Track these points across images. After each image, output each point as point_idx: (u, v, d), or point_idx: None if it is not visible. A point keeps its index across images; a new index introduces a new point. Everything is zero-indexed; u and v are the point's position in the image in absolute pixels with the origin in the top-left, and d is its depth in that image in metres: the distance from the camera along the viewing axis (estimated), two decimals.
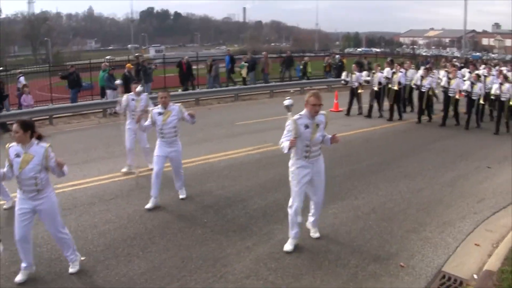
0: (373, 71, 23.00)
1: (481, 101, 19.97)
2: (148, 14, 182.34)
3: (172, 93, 26.62)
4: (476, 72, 22.46)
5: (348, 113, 22.67)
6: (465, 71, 25.47)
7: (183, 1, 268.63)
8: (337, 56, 41.73)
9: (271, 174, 12.78)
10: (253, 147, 15.80)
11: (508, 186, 12.13)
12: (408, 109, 23.65)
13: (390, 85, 21.68)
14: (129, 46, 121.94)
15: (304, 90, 29.05)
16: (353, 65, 24.73)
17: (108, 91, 24.79)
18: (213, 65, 31.31)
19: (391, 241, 8.70)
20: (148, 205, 10.34)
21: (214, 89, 30.17)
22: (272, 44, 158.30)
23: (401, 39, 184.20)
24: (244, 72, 32.95)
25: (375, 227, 9.35)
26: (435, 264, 7.88)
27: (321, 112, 8.01)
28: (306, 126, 7.92)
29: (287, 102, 7.79)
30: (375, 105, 22.22)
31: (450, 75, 20.87)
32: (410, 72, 23.50)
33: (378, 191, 11.56)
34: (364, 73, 23.30)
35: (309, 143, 7.99)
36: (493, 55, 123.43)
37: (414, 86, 21.98)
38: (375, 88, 22.11)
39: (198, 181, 12.20)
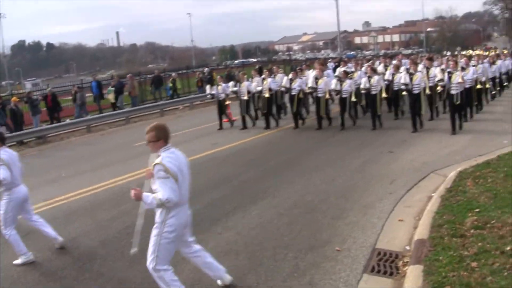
0: (239, 81, 22.55)
1: (353, 98, 19.53)
2: (19, 47, 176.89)
3: (62, 123, 26.45)
4: (343, 68, 22.79)
5: (220, 127, 22.20)
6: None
7: (55, 30, 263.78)
8: (206, 69, 42.27)
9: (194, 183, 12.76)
10: None
11: (412, 165, 13.07)
12: (282, 114, 23.35)
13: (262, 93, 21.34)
14: (4, 82, 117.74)
15: (193, 105, 30.11)
16: (218, 77, 24.92)
17: None
18: (77, 93, 30.03)
19: (320, 230, 8.96)
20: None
21: (103, 114, 29.74)
22: (150, 65, 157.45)
23: (276, 47, 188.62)
24: (111, 97, 32.01)
25: (301, 220, 9.60)
26: (368, 244, 8.20)
27: (157, 161, 6.55)
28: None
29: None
30: (253, 113, 22.19)
31: (317, 75, 20.47)
32: (279, 76, 23.32)
33: (293, 186, 11.88)
34: (231, 83, 22.92)
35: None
36: (367, 52, 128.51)
37: (283, 90, 21.63)
38: (245, 98, 21.65)
39: (112, 205, 12.03)
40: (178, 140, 16.92)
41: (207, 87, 23.99)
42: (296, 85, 20.44)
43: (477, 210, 8.70)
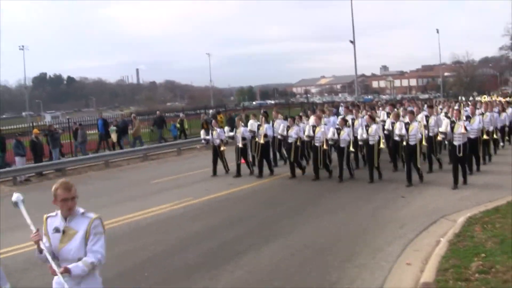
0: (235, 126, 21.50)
1: (351, 149, 18.33)
2: (41, 80, 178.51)
3: (80, 158, 26.84)
4: (342, 116, 21.42)
5: (214, 173, 21.04)
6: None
7: (76, 65, 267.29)
8: (210, 111, 41.51)
9: (199, 225, 13.22)
10: (174, 202, 16.07)
11: (423, 211, 13.34)
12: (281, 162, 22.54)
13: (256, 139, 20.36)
14: (24, 113, 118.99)
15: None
16: (213, 121, 23.63)
17: (17, 158, 24.31)
18: (78, 130, 29.57)
19: (330, 271, 9.23)
20: None
21: (121, 150, 30.07)
22: (168, 103, 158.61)
23: (294, 89, 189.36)
24: (114, 136, 31.48)
25: (311, 261, 9.88)
26: (375, 285, 8.49)
27: (88, 213, 5.64)
28: (57, 230, 5.53)
29: (15, 197, 5.72)
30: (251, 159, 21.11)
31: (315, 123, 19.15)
32: (277, 122, 21.71)
33: (306, 229, 12.17)
34: (226, 128, 22.11)
35: (57, 255, 5.45)
36: (383, 97, 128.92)
37: (280, 137, 20.78)
38: (239, 145, 20.61)
39: (129, 238, 12.36)
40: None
41: (202, 132, 23.06)
42: (292, 132, 19.59)
43: (483, 255, 8.98)
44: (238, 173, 20.51)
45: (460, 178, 16.20)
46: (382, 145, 18.11)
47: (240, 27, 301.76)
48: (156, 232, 12.84)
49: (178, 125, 35.99)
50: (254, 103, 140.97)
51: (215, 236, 12.02)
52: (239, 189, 17.81)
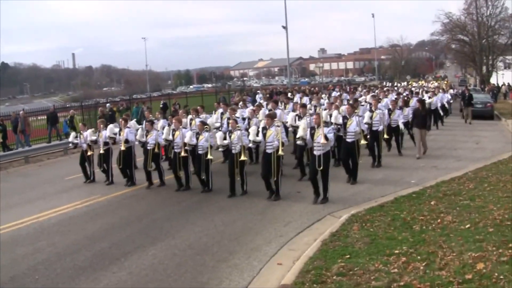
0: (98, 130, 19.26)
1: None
2: None
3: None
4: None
5: (87, 178, 19.50)
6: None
7: (10, 50, 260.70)
8: (107, 104, 38.33)
9: (98, 224, 13.64)
10: (81, 200, 16.43)
11: (312, 207, 13.90)
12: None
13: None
14: None
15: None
16: (80, 124, 21.54)
17: None
18: None
19: (203, 272, 9.78)
20: None
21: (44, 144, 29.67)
22: (104, 88, 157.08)
23: (232, 73, 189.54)
24: None
25: (190, 261, 10.40)
26: (241, 286, 9.06)
27: None
28: None
29: None
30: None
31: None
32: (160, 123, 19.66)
33: (194, 228, 12.65)
34: (89, 131, 19.25)
35: None
36: (318, 79, 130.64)
37: (137, 143, 18.41)
38: (101, 151, 18.70)
39: (30, 240, 12.62)
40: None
41: (72, 134, 20.58)
42: (150, 138, 17.65)
43: (348, 256, 9.58)
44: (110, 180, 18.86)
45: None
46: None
47: (176, 9, 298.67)
48: (55, 233, 13.14)
49: (68, 121, 32.06)
50: (191, 86, 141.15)
51: (109, 236, 12.46)
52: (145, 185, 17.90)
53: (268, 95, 40.28)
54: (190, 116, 20.09)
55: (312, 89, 48.78)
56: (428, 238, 10.24)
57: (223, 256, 10.59)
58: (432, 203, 13.01)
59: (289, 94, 34.08)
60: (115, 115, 31.99)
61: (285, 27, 63.18)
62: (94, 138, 19.00)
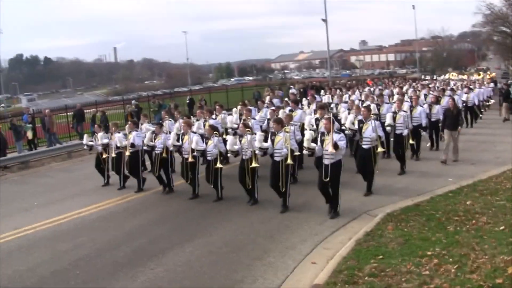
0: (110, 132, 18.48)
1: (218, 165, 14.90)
2: (17, 61, 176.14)
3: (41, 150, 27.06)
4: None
5: (106, 182, 18.84)
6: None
7: (52, 44, 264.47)
8: (133, 101, 37.72)
9: (137, 220, 13.94)
10: (121, 196, 16.80)
11: (348, 205, 13.68)
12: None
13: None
14: (0, 96, 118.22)
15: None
16: (96, 125, 20.89)
17: None
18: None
19: (237, 270, 9.97)
20: None
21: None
22: (146, 82, 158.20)
23: (272, 65, 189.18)
24: (30, 134, 28.11)
25: (225, 259, 10.61)
26: (274, 285, 9.21)
27: None
28: None
29: None
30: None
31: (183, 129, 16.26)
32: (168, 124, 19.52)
33: (231, 225, 12.83)
34: (100, 135, 18.46)
35: None
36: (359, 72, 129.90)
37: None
38: (113, 154, 17.92)
39: (72, 236, 12.95)
40: None
41: (85, 136, 19.80)
42: (159, 142, 16.71)
43: (381, 256, 9.66)
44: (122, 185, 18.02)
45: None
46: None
47: (216, 3, 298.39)
48: (96, 229, 13.48)
49: (90, 121, 31.34)
50: (232, 79, 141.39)
51: (147, 232, 12.76)
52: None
53: (302, 90, 39.84)
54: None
55: (349, 82, 48.19)
56: (461, 239, 10.26)
57: (258, 254, 10.74)
58: (468, 202, 12.97)
59: (322, 92, 33.56)
60: (140, 113, 29.11)
61: (324, 20, 62.83)
62: (106, 141, 18.24)
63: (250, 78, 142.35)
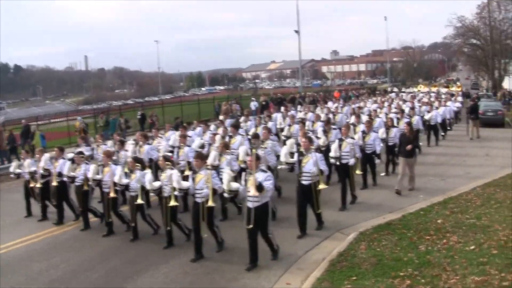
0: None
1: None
2: None
3: None
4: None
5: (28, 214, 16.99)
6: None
7: (23, 52, 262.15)
8: (78, 118, 35.26)
9: (111, 240, 13.87)
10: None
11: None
12: None
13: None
14: None
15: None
16: (23, 151, 19.13)
17: None
18: None
19: None
20: None
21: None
22: (117, 91, 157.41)
23: (244, 75, 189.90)
24: None
25: (200, 281, 10.69)
26: None
27: None
28: None
29: None
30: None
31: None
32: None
33: (206, 246, 12.35)
34: (27, 162, 16.56)
35: None
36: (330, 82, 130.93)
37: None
38: (37, 184, 15.97)
39: (46, 255, 12.89)
40: None
41: (13, 163, 18.42)
42: (79, 173, 14.87)
43: (354, 278, 9.84)
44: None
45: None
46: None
47: (189, 13, 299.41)
48: (69, 249, 13.39)
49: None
50: (203, 89, 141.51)
51: (122, 253, 12.74)
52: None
53: (264, 103, 40.18)
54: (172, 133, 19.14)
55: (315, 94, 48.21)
56: (433, 259, 10.46)
57: (233, 275, 10.80)
58: (439, 221, 13.19)
59: (299, 107, 33.43)
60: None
61: (297, 31, 63.45)
62: (33, 169, 16.20)
63: (221, 87, 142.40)
